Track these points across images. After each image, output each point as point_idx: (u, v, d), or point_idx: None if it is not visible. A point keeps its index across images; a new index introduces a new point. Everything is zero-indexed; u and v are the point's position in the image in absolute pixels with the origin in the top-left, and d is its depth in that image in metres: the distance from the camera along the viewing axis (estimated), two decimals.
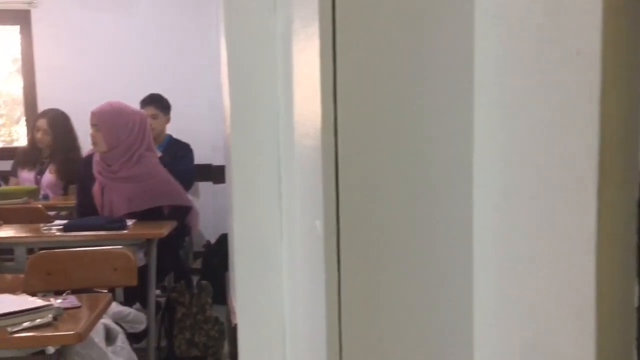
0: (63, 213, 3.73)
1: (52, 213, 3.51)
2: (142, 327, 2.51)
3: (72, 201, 3.77)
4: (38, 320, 1.61)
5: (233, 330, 1.34)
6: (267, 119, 1.34)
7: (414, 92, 0.84)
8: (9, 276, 2.68)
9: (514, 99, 0.71)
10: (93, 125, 2.99)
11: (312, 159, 0.91)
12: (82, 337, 1.59)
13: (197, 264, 4.62)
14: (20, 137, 5.84)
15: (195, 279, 3.64)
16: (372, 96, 0.83)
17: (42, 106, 4.70)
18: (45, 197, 3.73)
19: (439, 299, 0.87)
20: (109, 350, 2.19)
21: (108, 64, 4.95)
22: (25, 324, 1.58)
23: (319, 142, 0.84)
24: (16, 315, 1.63)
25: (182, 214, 3.18)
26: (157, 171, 3.05)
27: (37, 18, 4.85)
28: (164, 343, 3.13)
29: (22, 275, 2.62)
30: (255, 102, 1.33)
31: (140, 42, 5.01)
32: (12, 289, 2.47)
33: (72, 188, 3.95)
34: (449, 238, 0.84)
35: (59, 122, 3.95)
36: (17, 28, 5.02)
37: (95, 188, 3.08)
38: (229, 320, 1.85)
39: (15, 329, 1.56)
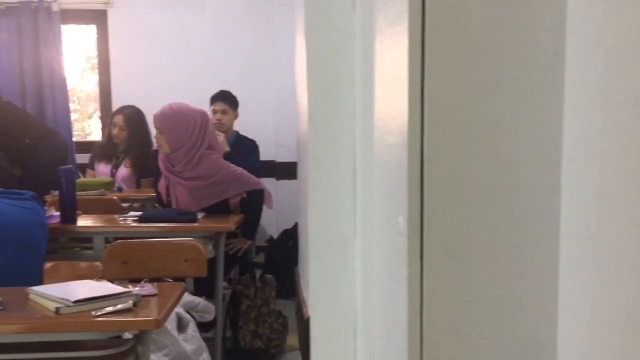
0: (135, 205, 3.88)
1: (125, 205, 3.66)
2: (210, 317, 2.59)
3: (144, 194, 3.93)
4: (120, 305, 1.69)
5: (305, 322, 1.37)
6: (344, 115, 1.37)
7: (501, 91, 0.84)
8: (84, 264, 2.82)
9: (609, 94, 0.70)
10: (157, 128, 3.09)
11: (395, 155, 0.93)
12: (160, 323, 1.67)
13: (259, 258, 4.71)
14: (92, 132, 6.11)
15: (257, 273, 3.72)
16: (460, 94, 0.84)
17: (116, 102, 4.90)
18: (120, 190, 3.89)
19: (522, 298, 0.87)
20: (180, 337, 2.27)
21: (178, 61, 5.11)
22: (108, 309, 1.67)
23: (404, 139, 0.86)
24: (99, 300, 1.72)
25: (257, 197, 3.24)
26: (219, 167, 3.10)
27: (112, 18, 5.06)
28: (228, 334, 3.22)
29: (95, 263, 2.76)
30: (333, 99, 1.35)
31: (209, 40, 5.14)
32: (89, 276, 2.60)
33: (145, 181, 4.11)
34: (534, 236, 0.84)
35: (135, 119, 4.12)
36: (93, 27, 5.25)
37: (161, 184, 3.21)
38: (299, 313, 1.89)
39: (99, 313, 1.65)
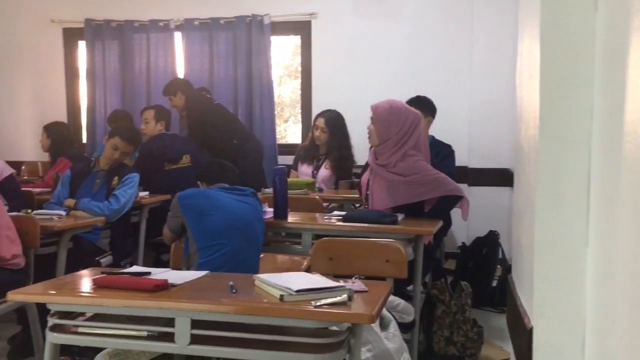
0: (333, 205, 4.07)
1: (325, 204, 3.87)
2: (410, 318, 2.63)
3: (341, 195, 4.11)
4: (336, 298, 1.80)
5: (529, 333, 1.33)
6: (579, 120, 1.31)
7: None
8: (289, 257, 3.04)
9: None
10: (371, 118, 3.22)
11: None
12: (373, 319, 1.74)
13: (449, 265, 4.65)
14: (286, 135, 6.54)
15: (448, 279, 3.68)
16: None
17: (315, 108, 5.19)
18: (320, 190, 4.12)
19: None
20: (382, 335, 2.34)
21: (376, 67, 5.26)
22: (327, 300, 1.78)
23: None
24: (318, 291, 1.85)
25: (451, 203, 3.21)
26: (421, 169, 3.11)
27: (316, 28, 5.37)
28: (421, 337, 3.23)
29: (295, 258, 2.95)
30: (568, 103, 1.30)
31: (405, 45, 5.21)
32: (293, 269, 2.80)
33: (342, 183, 4.30)
34: None
35: (335, 122, 4.33)
36: (297, 38, 5.63)
37: (365, 176, 3.32)
38: (516, 323, 1.84)
39: (318, 303, 1.78)
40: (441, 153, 4.06)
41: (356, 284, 2.00)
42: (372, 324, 2.33)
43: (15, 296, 2.03)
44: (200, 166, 4.60)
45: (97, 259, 3.65)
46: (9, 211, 3.25)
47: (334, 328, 1.92)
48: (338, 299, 1.80)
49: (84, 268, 3.33)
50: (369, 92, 5.15)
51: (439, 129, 4.27)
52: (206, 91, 5.02)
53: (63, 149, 4.55)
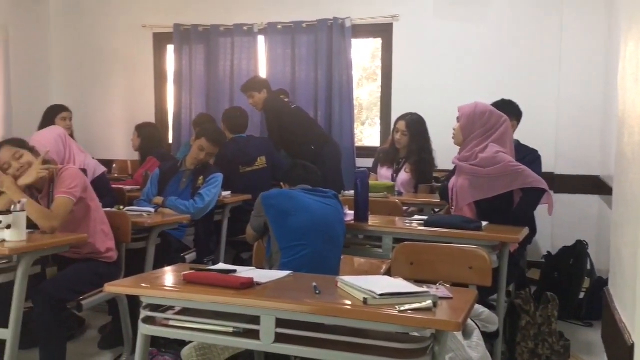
0: (412, 209, 4.03)
1: (404, 208, 3.83)
2: (493, 328, 2.56)
3: (421, 199, 4.06)
4: (421, 304, 1.78)
5: (629, 350, 1.26)
6: None
7: None
8: (367, 260, 3.02)
9: None
10: (457, 118, 3.25)
11: None
12: (460, 326, 1.71)
13: (533, 274, 4.49)
14: (363, 138, 6.52)
15: (531, 289, 3.55)
16: None
17: (395, 111, 5.15)
18: (399, 194, 4.09)
19: None
20: (465, 344, 2.29)
21: (459, 70, 5.16)
22: (411, 305, 1.76)
23: None
24: (402, 296, 1.83)
25: (535, 197, 3.10)
26: (500, 159, 3.05)
27: (398, 30, 5.33)
28: (503, 348, 3.13)
29: (372, 261, 2.92)
30: None
31: (490, 48, 5.08)
32: (372, 272, 2.78)
33: (422, 187, 4.24)
34: None
35: (416, 125, 4.28)
36: (379, 40, 5.61)
37: (450, 182, 3.28)
38: (613, 338, 1.74)
39: (402, 308, 1.76)
40: (527, 158, 3.91)
41: (441, 290, 1.97)
42: (455, 331, 2.29)
43: (112, 288, 2.13)
44: (276, 167, 4.70)
45: (182, 255, 3.79)
46: (102, 207, 3.43)
47: (415, 334, 1.89)
48: (423, 304, 1.77)
49: (169, 263, 3.47)
50: (450, 96, 5.06)
51: (524, 134, 4.13)
52: (285, 94, 5.09)
53: (152, 148, 4.75)
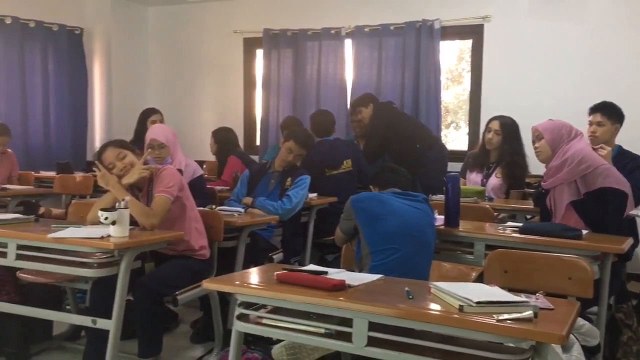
0: (503, 215, 3.90)
1: (494, 214, 3.71)
2: (594, 342, 2.42)
3: (512, 204, 3.92)
4: (521, 314, 1.71)
5: None
6: None
7: None
8: (454, 266, 2.94)
9: None
10: (536, 137, 3.20)
11: None
12: (564, 339, 1.63)
13: (633, 287, 4.22)
14: (447, 142, 6.36)
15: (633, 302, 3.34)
16: None
17: (485, 114, 5.02)
18: (490, 199, 3.97)
19: None
20: (564, 357, 2.18)
21: (553, 71, 4.96)
22: (512, 315, 1.70)
23: None
24: (500, 304, 1.77)
25: (618, 199, 2.97)
26: (582, 152, 3.02)
27: (489, 31, 5.19)
28: None
29: (459, 266, 2.84)
30: None
31: (589, 48, 4.85)
32: (460, 278, 2.70)
33: (514, 193, 4.09)
34: None
35: (510, 127, 4.14)
36: (465, 42, 5.49)
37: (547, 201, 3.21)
38: None
39: (501, 317, 1.70)
40: (629, 165, 3.69)
41: (540, 301, 1.89)
42: (553, 344, 2.19)
43: (210, 285, 2.20)
44: (361, 171, 4.69)
45: (269, 255, 3.86)
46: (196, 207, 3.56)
47: (510, 344, 1.83)
48: (524, 314, 1.70)
49: (257, 263, 3.55)
50: (545, 99, 4.87)
51: (627, 139, 3.90)
52: (393, 104, 5.08)
53: (228, 151, 4.88)
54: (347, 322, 1.94)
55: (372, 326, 1.89)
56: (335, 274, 2.20)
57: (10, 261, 2.77)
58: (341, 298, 1.93)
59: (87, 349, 2.92)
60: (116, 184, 2.95)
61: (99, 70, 6.41)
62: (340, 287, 2.01)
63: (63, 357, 3.38)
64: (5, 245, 2.77)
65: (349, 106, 5.55)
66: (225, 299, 3.43)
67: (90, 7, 6.32)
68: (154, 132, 3.86)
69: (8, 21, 5.54)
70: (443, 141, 5.47)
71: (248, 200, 3.95)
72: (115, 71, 6.38)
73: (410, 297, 1.93)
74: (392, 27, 5.48)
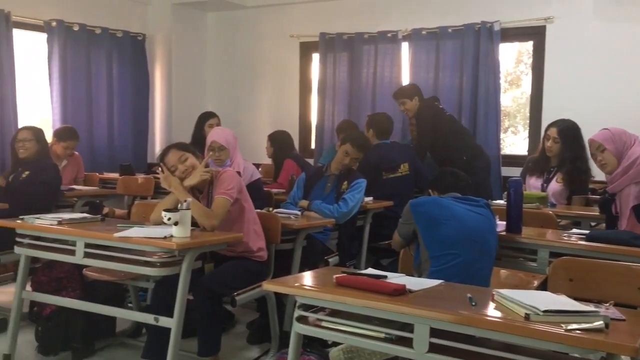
0: (565, 222, 3.77)
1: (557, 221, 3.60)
2: None
3: (575, 211, 3.79)
4: (591, 324, 1.65)
5: None
6: None
7: None
8: (512, 273, 2.86)
9: None
10: (596, 149, 3.20)
11: None
12: (637, 351, 1.56)
13: None
14: (504, 146, 6.21)
15: None
16: None
17: (546, 117, 4.88)
18: (552, 205, 3.85)
19: None
20: None
21: (617, 75, 4.78)
22: (582, 325, 1.64)
23: None
24: (569, 314, 1.71)
25: None
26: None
27: (551, 32, 5.05)
28: None
29: (520, 274, 2.77)
30: None
31: None
32: (522, 286, 2.63)
33: (577, 199, 3.96)
34: None
35: (569, 132, 4.01)
36: (526, 44, 5.35)
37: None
38: None
39: (569, 327, 1.64)
40: None
41: (611, 311, 1.82)
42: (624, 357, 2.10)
43: (270, 286, 2.22)
44: (419, 175, 4.65)
45: (325, 258, 3.86)
46: None
47: (576, 355, 1.76)
48: (594, 324, 1.64)
49: (313, 266, 3.57)
50: (610, 102, 4.71)
51: None
52: (438, 101, 5.02)
53: (284, 154, 4.92)
54: (407, 327, 1.92)
55: (433, 332, 1.86)
56: (395, 278, 2.19)
57: (78, 259, 2.88)
58: (402, 303, 1.91)
59: (147, 345, 3.00)
60: (178, 185, 3.02)
61: (159, 74, 6.60)
62: (400, 292, 1.99)
63: (125, 353, 3.48)
64: (74, 244, 2.88)
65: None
66: (281, 300, 3.46)
67: (153, 14, 6.52)
68: (215, 134, 3.94)
69: (76, 28, 5.76)
70: (501, 145, 5.36)
71: (304, 203, 3.97)
72: (176, 75, 6.55)
73: (474, 303, 1.89)
74: (450, 30, 5.41)
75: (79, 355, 3.30)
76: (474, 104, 5.31)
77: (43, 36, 5.60)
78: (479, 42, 5.25)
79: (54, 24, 5.58)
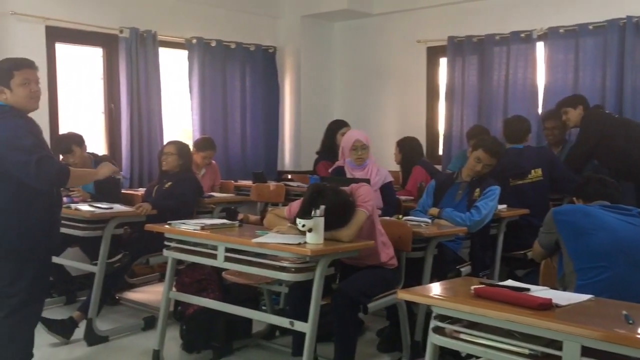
0: None
1: None
2: None
3: None
4: None
5: None
6: None
7: None
8: None
9: None
10: None
11: None
12: None
13: None
14: None
15: None
16: None
17: None
18: None
19: None
20: None
21: None
22: None
23: None
24: None
25: None
26: None
27: None
28: None
29: None
30: None
31: None
32: None
33: None
34: None
35: None
36: None
37: None
38: None
39: None
40: None
41: None
42: None
43: (405, 295, 2.19)
44: (557, 180, 4.36)
45: (457, 267, 3.76)
46: (382, 215, 3.59)
47: None
48: None
49: (444, 275, 3.48)
50: None
51: None
52: (602, 108, 4.70)
53: (413, 161, 4.85)
54: (554, 344, 1.81)
55: (585, 351, 1.73)
56: (539, 291, 2.07)
57: (219, 262, 3.04)
58: (549, 318, 1.80)
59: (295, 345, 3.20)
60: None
61: (289, 85, 6.81)
62: (547, 306, 1.88)
63: (261, 353, 3.61)
64: (215, 248, 3.04)
65: (539, 112, 5.24)
66: (411, 309, 3.41)
67: (283, 27, 6.75)
68: (357, 134, 4.11)
69: (213, 44, 6.11)
70: None
71: (434, 211, 3.89)
72: (304, 85, 6.72)
73: (630, 321, 1.74)
74: (590, 27, 5.05)
75: (219, 354, 3.47)
76: (619, 104, 4.91)
77: (184, 53, 6.00)
78: (624, 38, 4.85)
79: (194, 41, 5.96)
